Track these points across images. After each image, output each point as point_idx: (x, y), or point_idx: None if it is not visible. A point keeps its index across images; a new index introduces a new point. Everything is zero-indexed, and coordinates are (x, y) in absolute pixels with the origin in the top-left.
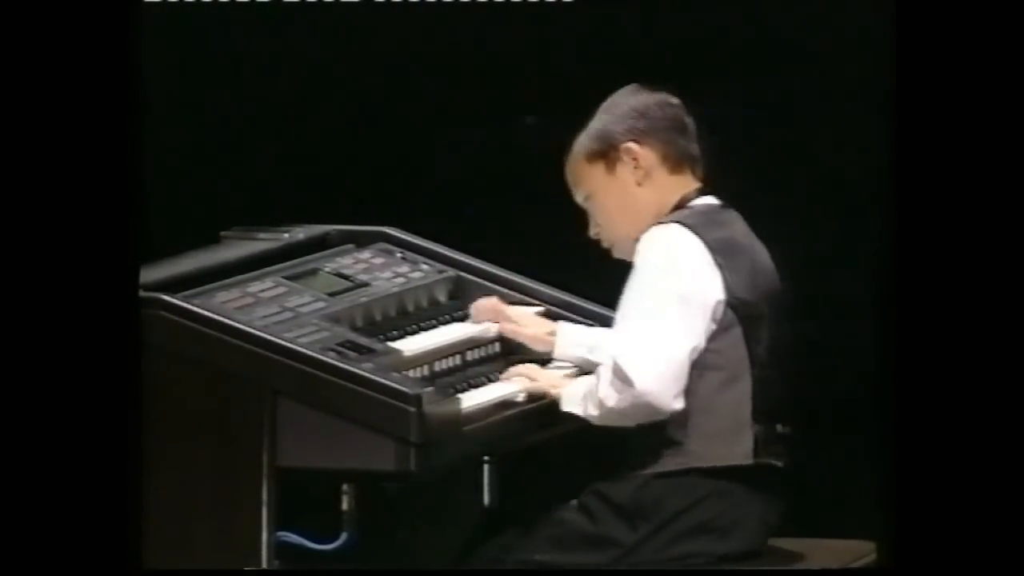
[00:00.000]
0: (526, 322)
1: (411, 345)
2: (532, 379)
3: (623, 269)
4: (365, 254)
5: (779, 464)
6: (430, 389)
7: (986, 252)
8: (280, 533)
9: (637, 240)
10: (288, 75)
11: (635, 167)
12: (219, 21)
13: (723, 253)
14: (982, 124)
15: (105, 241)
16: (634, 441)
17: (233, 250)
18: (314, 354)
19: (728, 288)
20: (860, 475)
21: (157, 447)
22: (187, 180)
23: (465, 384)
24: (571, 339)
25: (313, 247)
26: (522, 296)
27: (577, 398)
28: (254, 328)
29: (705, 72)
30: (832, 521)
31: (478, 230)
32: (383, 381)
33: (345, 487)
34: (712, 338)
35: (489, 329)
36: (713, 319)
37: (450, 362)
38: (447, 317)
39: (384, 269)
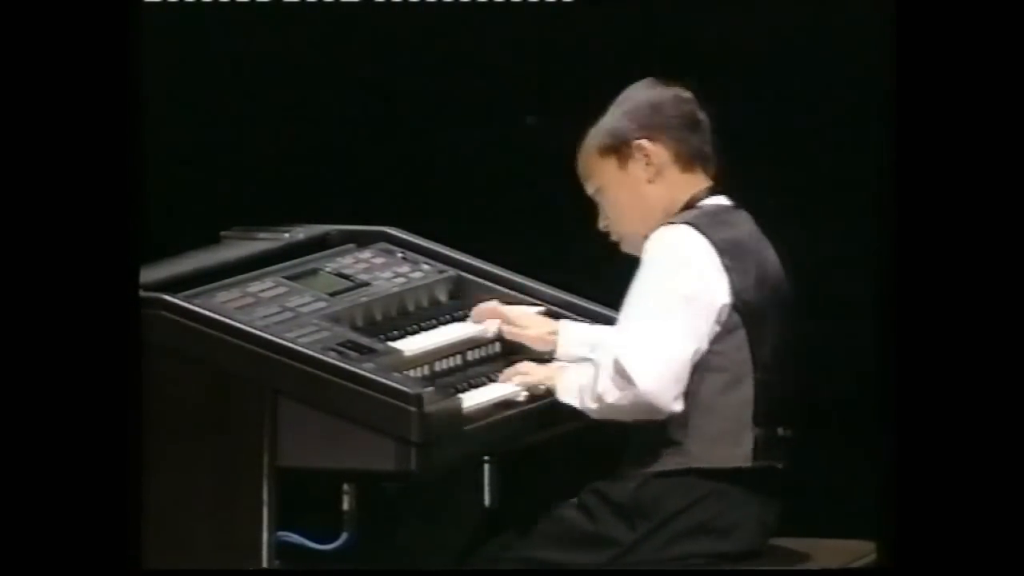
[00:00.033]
0: (527, 323)
1: (411, 345)
2: (527, 375)
3: (623, 269)
4: (365, 254)
5: (779, 467)
6: (430, 389)
7: (986, 252)
8: (280, 533)
9: (646, 237)
10: (288, 75)
11: (647, 164)
12: (219, 21)
13: (731, 255)
14: (982, 124)
15: (105, 241)
16: (634, 440)
17: (233, 250)
18: (315, 354)
19: (734, 291)
20: (860, 475)
21: (157, 447)
22: (187, 180)
23: (465, 384)
24: (573, 338)
25: (313, 247)
26: (522, 296)
27: (573, 389)
28: (254, 328)
29: (705, 72)
30: (832, 521)
31: (478, 230)
32: (384, 381)
33: (345, 487)
34: (715, 340)
35: (489, 328)
36: (717, 321)
37: (450, 362)
38: (447, 317)
39: (384, 269)
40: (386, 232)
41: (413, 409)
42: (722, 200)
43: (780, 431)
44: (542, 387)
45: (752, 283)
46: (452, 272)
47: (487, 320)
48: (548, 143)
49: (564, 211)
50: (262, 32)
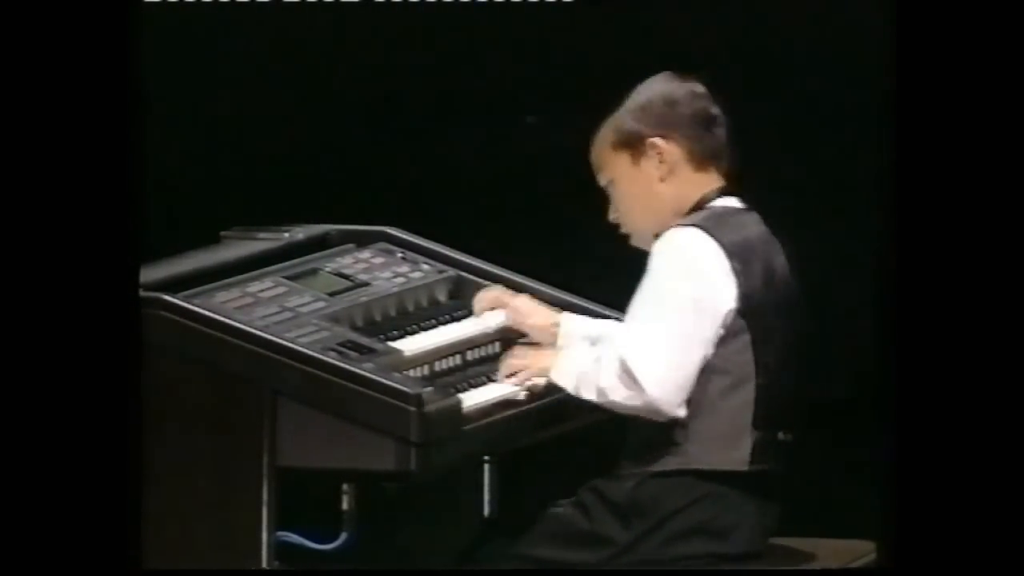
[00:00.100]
0: (530, 311)
1: (411, 345)
2: (524, 366)
3: (623, 269)
4: (365, 254)
5: (777, 471)
6: (430, 389)
7: (986, 252)
8: (280, 533)
9: (657, 235)
10: (288, 75)
11: (660, 161)
12: (219, 21)
13: (740, 258)
14: (982, 124)
15: (105, 241)
16: (632, 440)
17: (233, 250)
18: (314, 354)
19: (741, 295)
20: (860, 475)
21: (157, 447)
22: (187, 180)
23: (465, 384)
24: (575, 331)
25: (313, 247)
26: None
27: (570, 373)
28: (254, 328)
29: (705, 72)
30: (832, 521)
31: (478, 230)
32: (383, 381)
33: (345, 487)
34: (719, 343)
35: (489, 322)
36: (723, 325)
37: (450, 362)
38: (447, 317)
39: (384, 269)
40: (386, 232)
41: (413, 409)
42: (732, 201)
43: (780, 435)
44: (542, 380)
45: (759, 287)
46: (452, 272)
47: (488, 311)
48: (548, 143)
49: (564, 211)
50: (262, 32)
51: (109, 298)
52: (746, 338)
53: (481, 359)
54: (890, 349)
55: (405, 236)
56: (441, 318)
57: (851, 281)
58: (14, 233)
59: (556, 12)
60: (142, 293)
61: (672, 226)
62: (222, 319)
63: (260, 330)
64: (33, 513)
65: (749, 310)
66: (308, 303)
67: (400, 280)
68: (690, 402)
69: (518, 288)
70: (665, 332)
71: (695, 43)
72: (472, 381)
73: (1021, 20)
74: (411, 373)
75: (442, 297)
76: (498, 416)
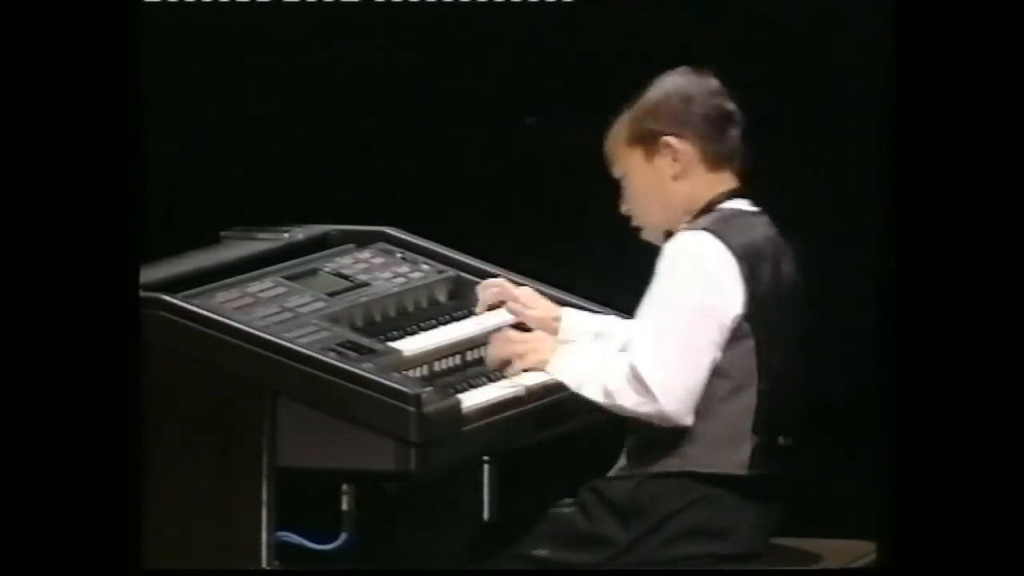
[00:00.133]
0: (532, 303)
1: (411, 345)
2: (519, 354)
3: (623, 269)
4: (365, 254)
5: (776, 475)
6: (430, 389)
7: (986, 252)
8: (280, 533)
9: (667, 232)
10: (288, 75)
11: (673, 160)
12: (219, 21)
13: (749, 263)
14: (983, 124)
15: (105, 241)
16: (632, 440)
17: (233, 250)
18: (314, 354)
19: (748, 301)
20: (860, 475)
21: (157, 447)
22: (187, 180)
23: (465, 384)
24: (576, 326)
25: (313, 247)
26: None
27: (572, 370)
28: (254, 328)
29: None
30: (832, 521)
31: (478, 230)
32: (383, 381)
33: (345, 487)
34: (725, 348)
35: (487, 326)
36: (730, 330)
37: (450, 362)
38: (447, 317)
39: (384, 269)
40: (385, 232)
41: (412, 409)
42: (743, 204)
43: (780, 440)
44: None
45: (766, 292)
46: (451, 272)
47: (488, 311)
48: (548, 143)
49: (564, 211)
50: (262, 32)
51: (109, 298)
52: (751, 343)
53: (481, 359)
54: (890, 349)
55: (405, 236)
56: (441, 318)
57: (850, 280)
58: (14, 233)
59: (556, 12)
60: (142, 293)
61: (682, 226)
62: (222, 319)
63: (260, 330)
64: (33, 513)
65: (755, 315)
66: (308, 303)
67: (400, 280)
68: None
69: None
70: (677, 340)
71: (695, 43)
72: (472, 381)
73: (1021, 20)
74: (411, 373)
75: (442, 297)
76: (498, 416)
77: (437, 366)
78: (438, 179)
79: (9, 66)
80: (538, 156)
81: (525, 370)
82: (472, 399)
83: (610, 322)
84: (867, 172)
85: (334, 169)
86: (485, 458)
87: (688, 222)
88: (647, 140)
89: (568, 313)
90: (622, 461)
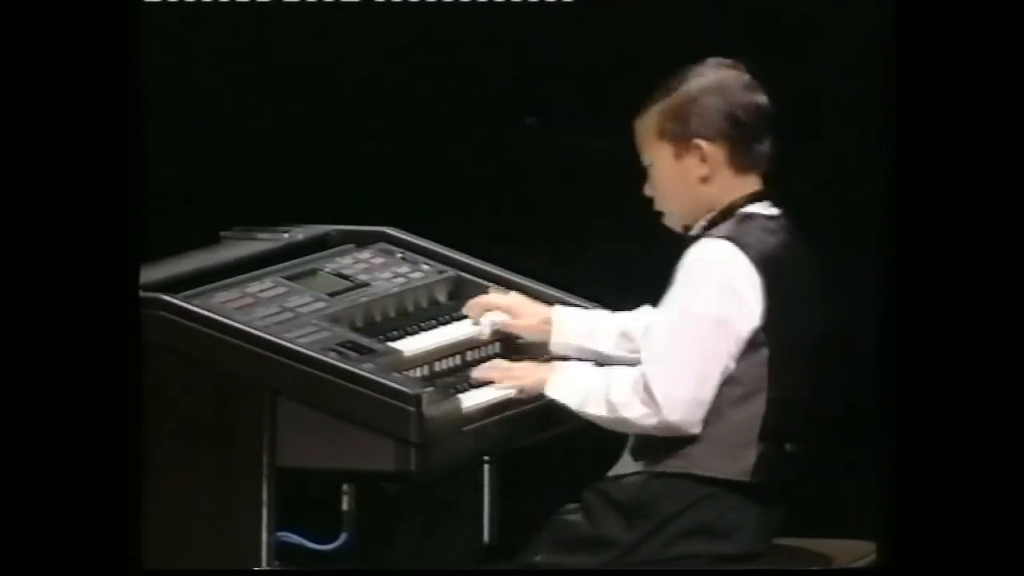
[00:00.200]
0: (519, 312)
1: (411, 345)
2: (514, 377)
3: (623, 269)
4: (365, 254)
5: (781, 481)
6: (430, 389)
7: (986, 254)
8: (280, 533)
9: (687, 228)
10: (288, 75)
11: (701, 161)
12: (219, 21)
13: (769, 273)
14: (983, 125)
15: (105, 241)
16: (637, 438)
17: (233, 250)
18: (314, 354)
19: (766, 312)
20: (860, 475)
21: (157, 447)
22: (187, 180)
23: (465, 384)
24: (568, 327)
25: (313, 247)
26: None
27: (573, 388)
28: (254, 328)
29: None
30: (833, 521)
31: (478, 230)
32: (383, 381)
33: (345, 487)
34: (740, 358)
35: (484, 331)
36: (746, 341)
37: (450, 362)
38: (447, 317)
39: (384, 269)
40: (385, 232)
41: (412, 409)
42: (765, 207)
43: (788, 447)
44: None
45: (784, 302)
46: (452, 272)
47: (481, 317)
48: (548, 144)
49: (564, 211)
50: (262, 32)
51: (109, 298)
52: (765, 352)
53: (481, 359)
54: (890, 349)
55: (405, 236)
56: (441, 318)
57: (851, 282)
58: (14, 233)
59: (556, 12)
60: (142, 293)
61: (701, 223)
62: (222, 319)
63: (260, 330)
64: (33, 513)
65: (772, 326)
66: (308, 303)
67: (400, 280)
68: None
69: (517, 289)
70: (690, 352)
71: (694, 42)
72: (472, 381)
73: (1021, 20)
74: (411, 373)
75: (442, 297)
76: (498, 416)
77: (437, 366)
78: (438, 179)
79: (9, 66)
80: (538, 156)
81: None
82: (472, 399)
83: (601, 317)
84: (867, 175)
85: (334, 169)
86: (485, 458)
87: (708, 220)
88: (677, 138)
89: (558, 313)
90: (625, 459)
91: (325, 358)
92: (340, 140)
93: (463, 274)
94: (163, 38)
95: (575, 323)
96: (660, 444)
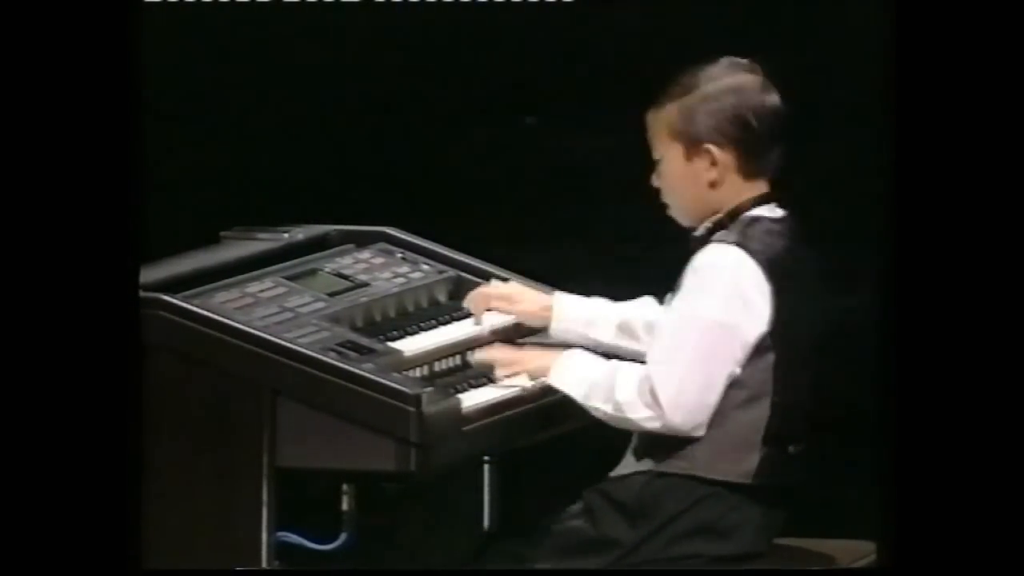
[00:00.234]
0: (519, 298)
1: (411, 345)
2: (516, 361)
3: (623, 270)
4: (365, 254)
5: (783, 483)
6: (430, 389)
7: (986, 253)
8: (280, 533)
9: (692, 224)
10: (288, 75)
11: (711, 165)
12: (219, 21)
13: (776, 278)
14: (983, 125)
15: (105, 241)
16: (639, 439)
17: (233, 250)
18: (314, 354)
19: (774, 318)
20: (860, 475)
21: (157, 447)
22: (187, 180)
23: (465, 384)
24: (568, 314)
25: (313, 247)
26: None
27: (578, 381)
28: (254, 328)
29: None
30: (832, 521)
31: (478, 230)
32: (383, 381)
33: (345, 487)
34: (746, 363)
35: (484, 327)
36: (753, 346)
37: (450, 362)
38: (447, 317)
39: (384, 269)
40: (385, 232)
41: (412, 409)
42: (769, 210)
43: (791, 449)
44: (532, 380)
45: (791, 307)
46: (452, 272)
47: (480, 306)
48: (548, 144)
49: (563, 211)
50: (262, 32)
51: (109, 298)
52: (771, 357)
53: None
54: (890, 349)
55: (405, 236)
56: (441, 318)
57: (850, 281)
58: (14, 233)
59: (556, 12)
60: (142, 293)
61: (708, 225)
62: (222, 319)
63: (260, 330)
64: (33, 513)
65: (779, 331)
66: (308, 303)
67: (400, 280)
68: None
69: None
70: (696, 357)
71: (695, 42)
72: (472, 381)
73: (1022, 20)
74: (411, 373)
75: (442, 297)
76: (498, 416)
77: (437, 366)
78: (438, 179)
79: (9, 66)
80: (538, 156)
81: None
82: (472, 399)
83: (602, 306)
84: (867, 173)
85: (334, 169)
86: (485, 458)
87: (713, 222)
88: (689, 141)
89: (559, 300)
90: (627, 459)
91: (325, 358)
92: (340, 140)
93: (463, 274)
94: (163, 38)
95: (575, 311)
96: (663, 444)
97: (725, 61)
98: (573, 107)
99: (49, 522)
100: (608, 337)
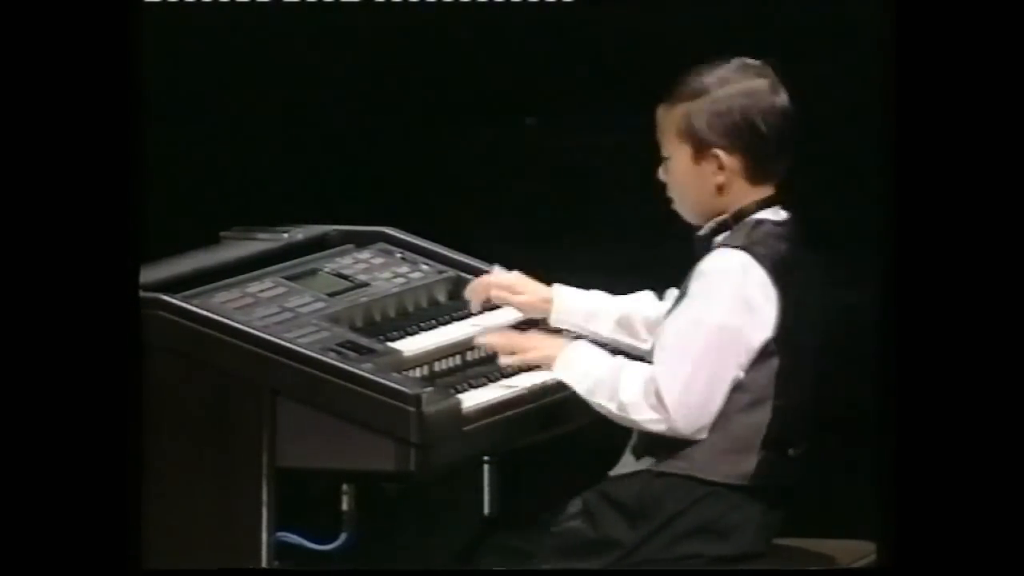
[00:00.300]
0: (520, 288)
1: (411, 345)
2: (528, 348)
3: (623, 270)
4: (365, 254)
5: (781, 484)
6: (430, 389)
7: (986, 254)
8: (280, 533)
9: (697, 222)
10: (288, 75)
11: (719, 169)
12: (219, 21)
13: (782, 283)
14: (983, 125)
15: (105, 241)
16: (639, 438)
17: (233, 250)
18: (314, 354)
19: (779, 323)
20: (860, 475)
21: (157, 447)
22: (187, 180)
23: (465, 384)
24: (568, 306)
25: (313, 247)
26: None
27: (584, 375)
28: (254, 328)
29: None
30: (832, 521)
31: (478, 230)
32: (383, 381)
33: (345, 487)
34: (750, 367)
35: (487, 328)
36: (757, 351)
37: (450, 362)
38: (447, 317)
39: (384, 269)
40: (385, 232)
41: (412, 409)
42: (773, 213)
43: (790, 452)
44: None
45: (796, 312)
46: (451, 272)
47: (480, 295)
48: (548, 143)
49: (564, 211)
50: (262, 32)
51: (109, 298)
52: (775, 362)
53: (481, 359)
54: (890, 349)
55: (405, 236)
56: (441, 318)
57: (850, 281)
58: (14, 233)
59: (556, 12)
60: (142, 293)
61: (712, 225)
62: (222, 319)
63: (260, 330)
64: (33, 513)
65: (783, 336)
66: (308, 303)
67: (400, 280)
68: None
69: None
70: (702, 361)
71: (695, 42)
72: (472, 381)
73: (1022, 20)
74: (411, 374)
75: (442, 297)
76: (498, 416)
77: (437, 366)
78: (438, 179)
79: (9, 66)
80: (538, 156)
81: (528, 368)
82: (472, 399)
83: (602, 299)
84: (867, 174)
85: (334, 169)
86: (485, 458)
87: (717, 223)
88: (698, 143)
89: (559, 293)
90: (626, 458)
91: (325, 358)
92: (340, 140)
93: (463, 274)
94: (163, 38)
95: (575, 303)
96: (662, 444)
97: (737, 63)
98: (573, 107)
99: (49, 522)
100: (606, 331)
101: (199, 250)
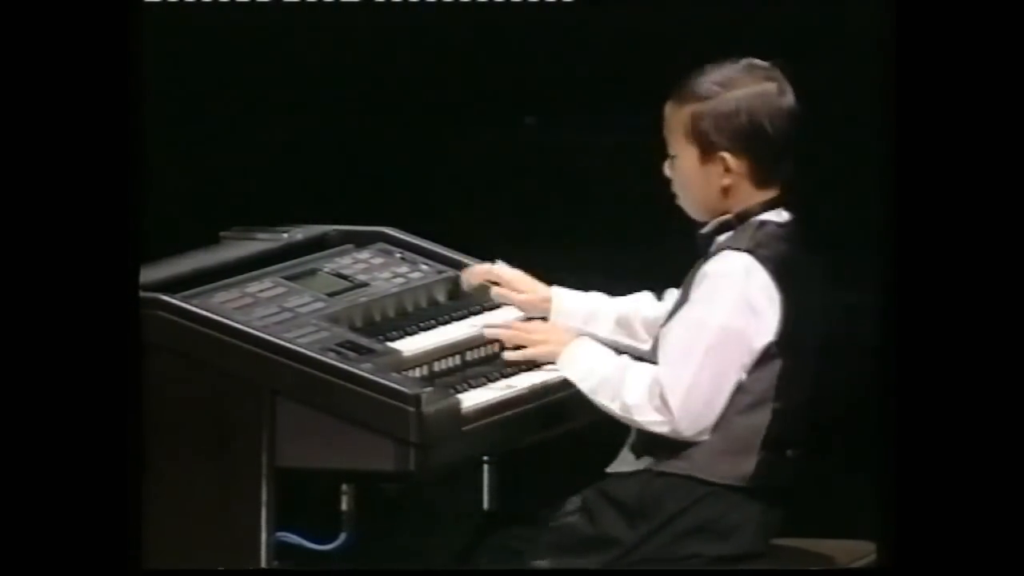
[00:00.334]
0: (520, 286)
1: (411, 345)
2: (538, 342)
3: (622, 270)
4: (364, 254)
5: (780, 485)
6: (430, 389)
7: (986, 254)
8: (280, 533)
9: (700, 219)
10: (288, 75)
11: (725, 171)
12: (219, 21)
13: (785, 286)
14: (984, 125)
15: (105, 241)
16: (638, 436)
17: (232, 250)
18: (314, 354)
19: (782, 326)
20: (860, 475)
21: (157, 447)
22: (187, 180)
23: (465, 384)
24: (567, 307)
25: (312, 247)
26: None
27: (588, 373)
28: (253, 328)
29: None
30: (832, 521)
31: (478, 230)
32: (382, 381)
33: (345, 487)
34: (752, 370)
35: (492, 325)
36: (760, 354)
37: (450, 362)
38: (447, 317)
39: (383, 269)
40: (384, 232)
41: (412, 409)
42: (776, 215)
43: (789, 453)
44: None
45: (799, 315)
46: (451, 272)
47: (478, 280)
48: (548, 143)
49: (564, 211)
50: (262, 32)
51: (109, 298)
52: (777, 364)
53: (481, 359)
54: (890, 349)
55: (404, 236)
56: (441, 318)
57: (850, 281)
58: (14, 233)
59: (556, 12)
60: (142, 293)
61: (715, 224)
62: (221, 319)
63: (259, 330)
64: (33, 513)
65: (786, 339)
66: (307, 303)
67: (399, 280)
68: None
69: None
70: (706, 364)
71: (695, 42)
72: (472, 381)
73: (1022, 20)
74: (410, 373)
75: (441, 297)
76: (498, 416)
77: (437, 366)
78: (438, 179)
79: (9, 66)
80: (538, 156)
81: (529, 367)
82: (472, 399)
83: (601, 300)
84: (867, 174)
85: (334, 169)
86: (485, 458)
87: (720, 223)
88: (705, 145)
89: (558, 293)
90: (625, 455)
91: (324, 358)
92: (340, 140)
93: (462, 274)
94: (163, 38)
95: (574, 304)
96: (662, 444)
97: (745, 64)
98: (573, 107)
99: (49, 522)
100: (606, 331)
101: (199, 250)
